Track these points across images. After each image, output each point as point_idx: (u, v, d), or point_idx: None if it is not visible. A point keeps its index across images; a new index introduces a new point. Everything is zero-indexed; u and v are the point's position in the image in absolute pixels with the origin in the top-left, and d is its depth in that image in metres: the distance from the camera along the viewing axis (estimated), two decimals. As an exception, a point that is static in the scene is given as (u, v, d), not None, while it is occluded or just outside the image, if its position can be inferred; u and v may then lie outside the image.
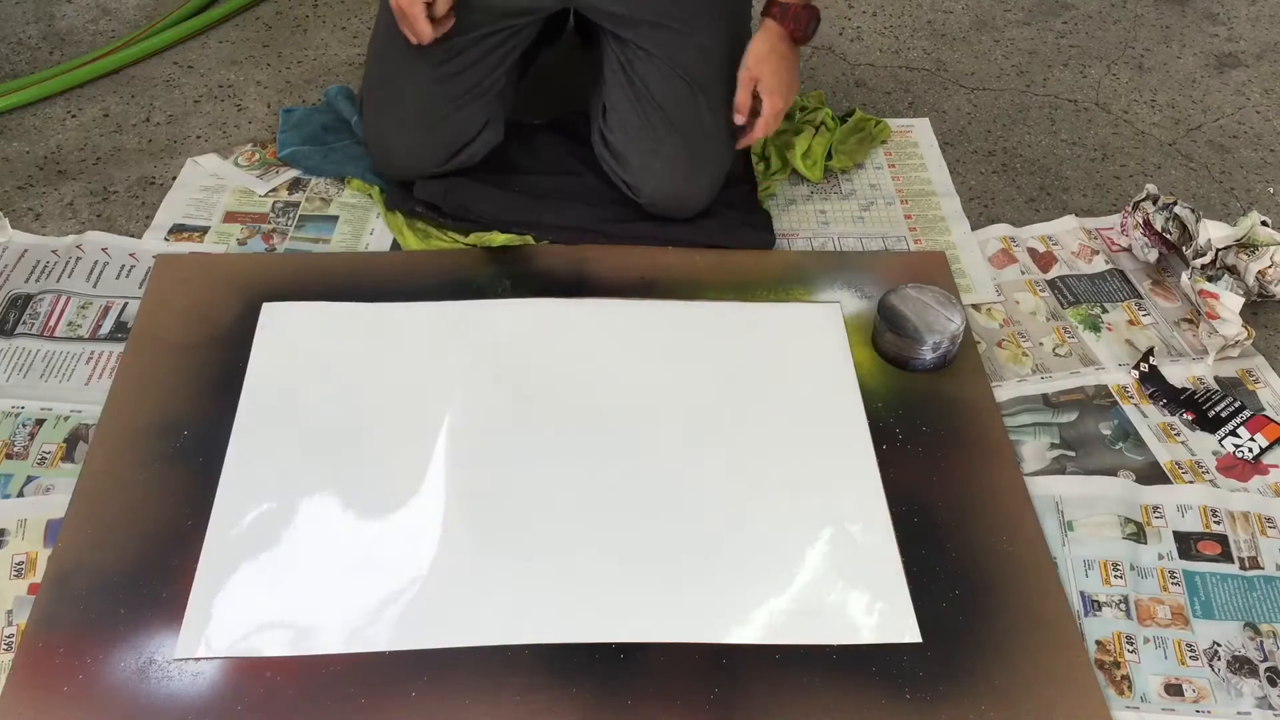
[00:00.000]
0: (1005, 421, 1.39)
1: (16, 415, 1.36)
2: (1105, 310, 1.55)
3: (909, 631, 1.18)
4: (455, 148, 1.57)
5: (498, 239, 1.57)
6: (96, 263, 1.56)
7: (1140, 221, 1.60)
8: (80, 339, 1.45)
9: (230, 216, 1.64)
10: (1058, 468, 1.35)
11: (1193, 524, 1.30)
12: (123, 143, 1.77)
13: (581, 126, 1.67)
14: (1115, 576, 1.24)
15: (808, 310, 1.52)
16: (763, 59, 1.51)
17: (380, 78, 1.59)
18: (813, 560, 1.25)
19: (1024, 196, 1.75)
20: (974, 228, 1.67)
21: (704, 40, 1.54)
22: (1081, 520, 1.29)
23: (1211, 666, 1.18)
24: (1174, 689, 1.16)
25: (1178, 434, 1.40)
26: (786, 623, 1.19)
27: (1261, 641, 1.20)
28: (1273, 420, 1.40)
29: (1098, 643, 1.19)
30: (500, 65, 1.56)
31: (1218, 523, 1.30)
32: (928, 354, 1.42)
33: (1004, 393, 1.43)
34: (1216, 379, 1.46)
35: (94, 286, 1.52)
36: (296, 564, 1.22)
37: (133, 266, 1.55)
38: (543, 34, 1.65)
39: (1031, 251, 1.64)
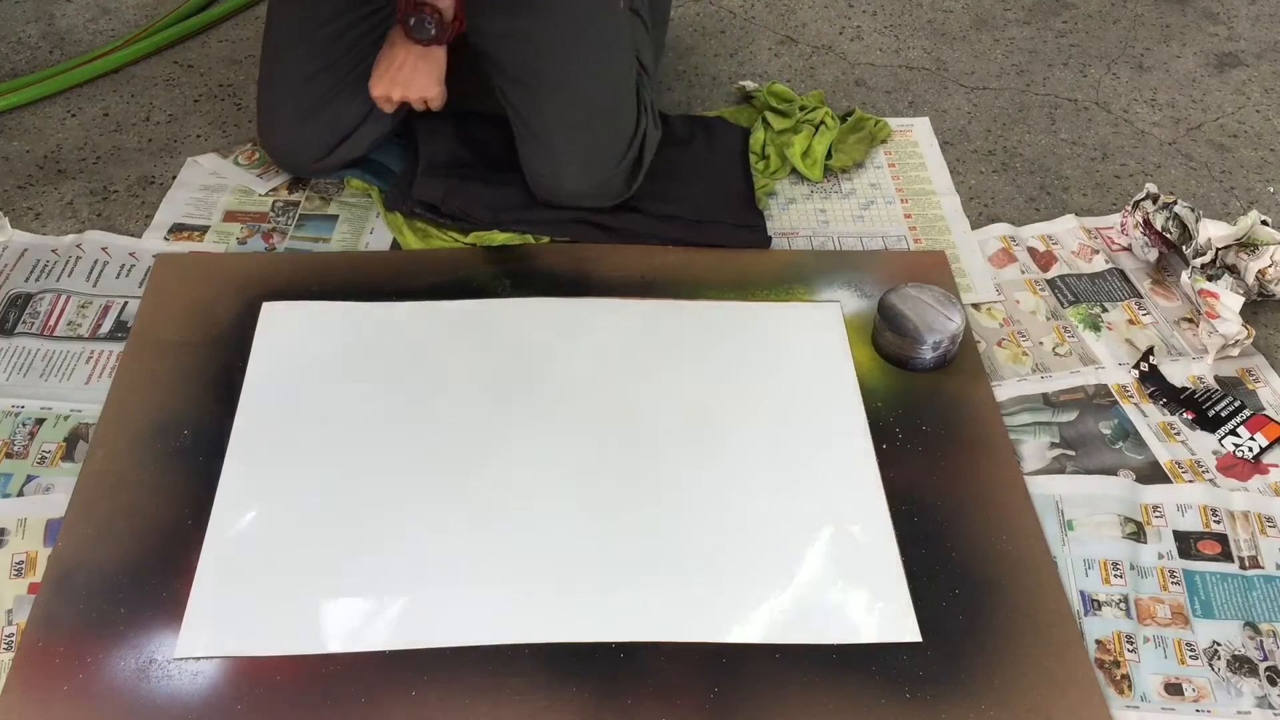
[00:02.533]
0: (1005, 421, 1.39)
1: (16, 414, 1.36)
2: (1105, 309, 1.55)
3: (909, 631, 1.18)
4: (334, 141, 1.60)
5: (497, 238, 1.58)
6: (96, 262, 1.56)
7: (1140, 221, 1.60)
8: (80, 338, 1.45)
9: (230, 216, 1.64)
10: (1058, 467, 1.35)
11: (1193, 523, 1.30)
12: (122, 142, 1.77)
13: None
14: (1115, 576, 1.24)
15: (807, 309, 1.52)
16: (379, 58, 1.51)
17: (260, 78, 1.64)
18: (813, 559, 1.25)
19: (1024, 196, 1.75)
20: (974, 227, 1.67)
21: (539, 32, 1.51)
22: (1081, 519, 1.29)
23: (1211, 666, 1.18)
24: (1174, 688, 1.16)
25: (1178, 433, 1.40)
26: (786, 622, 1.19)
27: (1261, 641, 1.20)
28: (1273, 419, 1.40)
29: (1097, 642, 1.19)
30: (366, 52, 1.56)
31: (1218, 522, 1.30)
32: (928, 353, 1.42)
33: (1004, 392, 1.43)
34: (1216, 378, 1.46)
35: (94, 286, 1.52)
36: (296, 563, 1.22)
37: (133, 266, 1.55)
38: None
39: (1031, 251, 1.64)
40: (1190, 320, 1.54)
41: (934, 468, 1.33)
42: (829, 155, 1.75)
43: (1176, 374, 1.46)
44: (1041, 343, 1.50)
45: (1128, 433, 1.39)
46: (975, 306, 1.55)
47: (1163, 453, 1.37)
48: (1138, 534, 1.28)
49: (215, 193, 1.68)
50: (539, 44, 1.51)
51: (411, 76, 1.49)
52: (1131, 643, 1.19)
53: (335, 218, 1.64)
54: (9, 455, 1.32)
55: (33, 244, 1.58)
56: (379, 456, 1.32)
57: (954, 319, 1.42)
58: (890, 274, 1.56)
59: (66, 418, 1.36)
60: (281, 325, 1.46)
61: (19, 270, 1.54)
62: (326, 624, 1.17)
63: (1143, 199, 1.61)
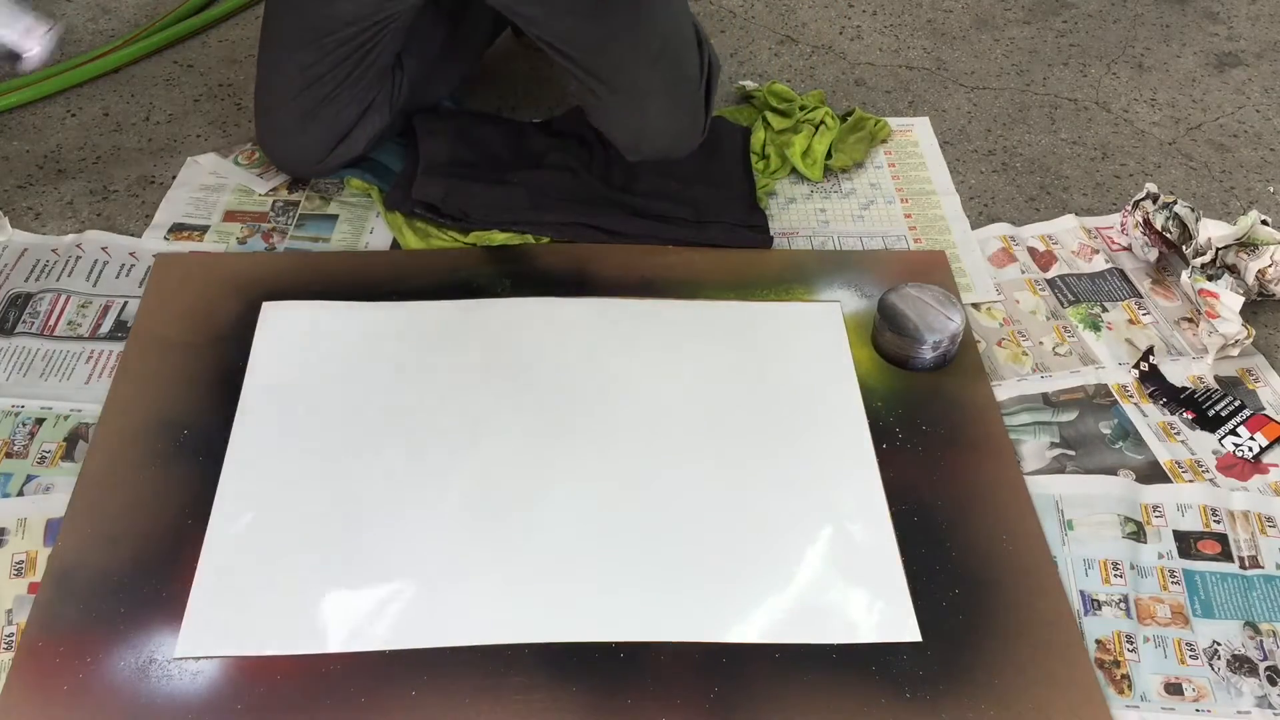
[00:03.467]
0: (1005, 420, 1.39)
1: (16, 414, 1.36)
2: (1105, 309, 1.55)
3: (909, 630, 1.18)
4: (332, 142, 1.60)
5: (498, 238, 1.58)
6: (96, 262, 1.56)
7: (1140, 220, 1.60)
8: (80, 338, 1.45)
9: (230, 215, 1.64)
10: (1057, 467, 1.35)
11: (1192, 523, 1.30)
12: (122, 142, 1.77)
13: (580, 124, 1.68)
14: (1115, 575, 1.24)
15: (808, 309, 1.52)
16: None
17: (258, 81, 1.63)
18: (813, 559, 1.25)
19: (1024, 195, 1.75)
20: (974, 227, 1.67)
21: (614, 23, 1.51)
22: (1081, 519, 1.29)
23: (1211, 666, 1.18)
24: (1174, 688, 1.16)
25: (1177, 433, 1.40)
26: (786, 622, 1.19)
27: (1261, 641, 1.20)
28: (1273, 419, 1.40)
29: (1097, 642, 1.19)
30: (370, 55, 1.56)
31: (1217, 522, 1.30)
32: (928, 353, 1.42)
33: (1004, 392, 1.43)
34: (1216, 378, 1.46)
35: (94, 285, 1.52)
36: (297, 563, 1.22)
37: (133, 265, 1.55)
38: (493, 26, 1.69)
39: (1031, 250, 1.64)
40: (1190, 320, 1.54)
41: (934, 468, 1.33)
42: (829, 155, 1.75)
43: (1176, 374, 1.46)
44: (1041, 342, 1.50)
45: (1128, 432, 1.39)
46: (975, 306, 1.55)
47: (1163, 452, 1.37)
48: (1138, 534, 1.28)
49: (215, 192, 1.68)
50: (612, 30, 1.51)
51: None
52: (1131, 642, 1.19)
53: (335, 217, 1.64)
54: (9, 455, 1.32)
55: (33, 244, 1.58)
56: (379, 456, 1.32)
57: (954, 319, 1.42)
58: (890, 274, 1.56)
59: (66, 417, 1.36)
60: (281, 325, 1.46)
61: (19, 270, 1.54)
62: (326, 624, 1.17)
63: (1143, 199, 1.61)
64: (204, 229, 1.62)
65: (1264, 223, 1.54)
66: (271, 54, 1.59)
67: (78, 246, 1.57)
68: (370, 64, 1.56)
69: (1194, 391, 1.44)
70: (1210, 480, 1.34)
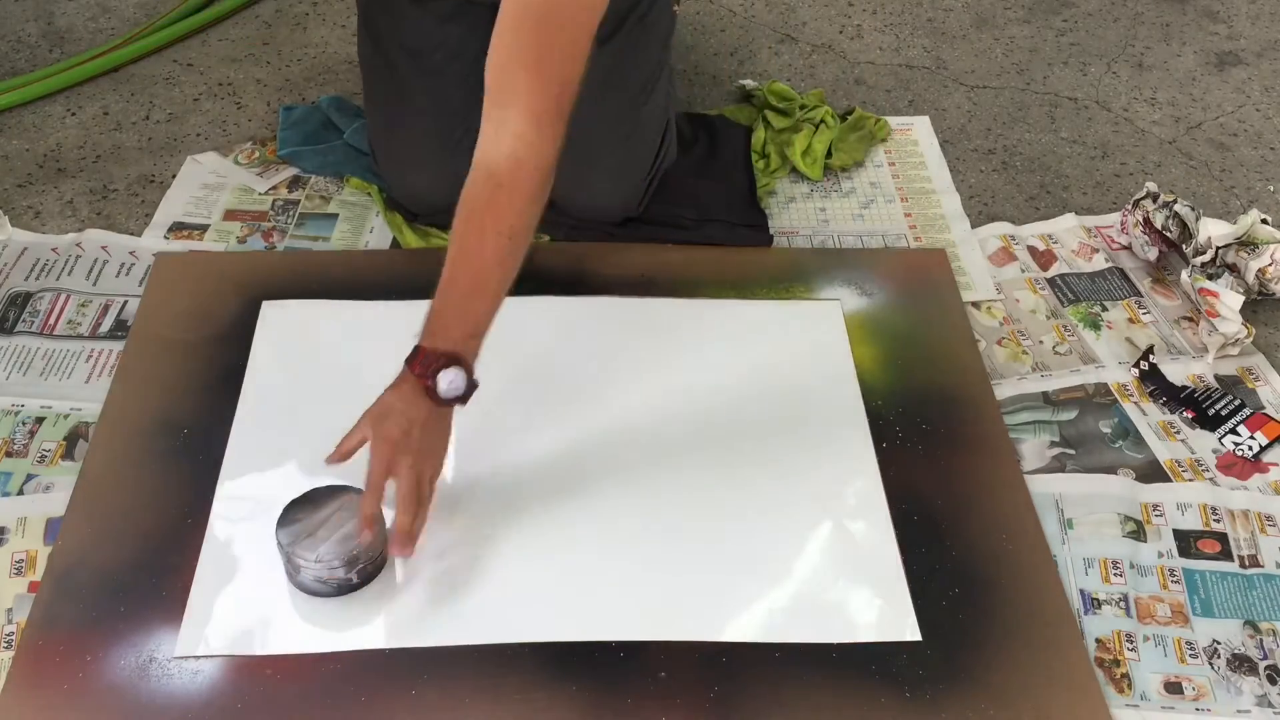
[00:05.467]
0: (1005, 419, 1.39)
1: (16, 413, 1.36)
2: (1105, 308, 1.55)
3: (909, 630, 1.18)
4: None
5: (498, 237, 1.57)
6: (96, 261, 1.56)
7: (1140, 220, 1.60)
8: (80, 337, 1.45)
9: (230, 214, 1.64)
10: (1057, 466, 1.35)
11: (1192, 522, 1.30)
12: (122, 141, 1.77)
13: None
14: (1115, 575, 1.24)
15: (808, 308, 1.52)
16: (380, 415, 1.15)
17: (384, 122, 1.59)
18: (812, 558, 1.25)
19: (1024, 195, 1.75)
20: (974, 226, 1.67)
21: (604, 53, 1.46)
22: (1081, 518, 1.29)
23: (1211, 665, 1.18)
24: (1174, 687, 1.16)
25: (1177, 432, 1.40)
26: (786, 621, 1.19)
27: (1261, 640, 1.20)
28: (1272, 418, 1.40)
29: (1097, 641, 1.19)
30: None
31: (1217, 521, 1.30)
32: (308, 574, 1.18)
33: (1004, 391, 1.43)
34: (1216, 377, 1.46)
35: (94, 284, 1.52)
36: (296, 562, 1.22)
37: (132, 264, 1.55)
38: None
39: (1031, 249, 1.64)
40: (1190, 319, 1.54)
41: (934, 466, 1.33)
42: (829, 154, 1.75)
43: (1176, 373, 1.46)
44: (1041, 341, 1.50)
45: (1128, 431, 1.39)
46: (975, 305, 1.55)
47: (1163, 451, 1.37)
48: (1137, 533, 1.28)
49: (215, 191, 1.68)
50: (608, 62, 1.47)
51: (424, 444, 1.14)
52: (1131, 641, 1.19)
53: (335, 217, 1.64)
54: (9, 454, 1.32)
55: (32, 243, 1.58)
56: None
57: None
58: (890, 272, 1.56)
59: (66, 416, 1.36)
60: (281, 324, 1.46)
61: (19, 269, 1.54)
62: (327, 623, 1.17)
63: (1143, 198, 1.61)
64: (204, 228, 1.62)
65: (1264, 222, 1.54)
66: (390, 91, 1.53)
67: (78, 245, 1.57)
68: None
69: (1194, 390, 1.44)
70: (1210, 479, 1.34)
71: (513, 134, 1.16)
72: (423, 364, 1.14)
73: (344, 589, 1.17)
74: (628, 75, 1.53)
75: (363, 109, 1.68)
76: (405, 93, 1.54)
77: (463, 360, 1.15)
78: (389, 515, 1.20)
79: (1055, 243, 1.65)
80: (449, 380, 1.13)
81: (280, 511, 1.18)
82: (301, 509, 1.18)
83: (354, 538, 1.14)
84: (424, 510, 1.15)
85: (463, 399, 1.16)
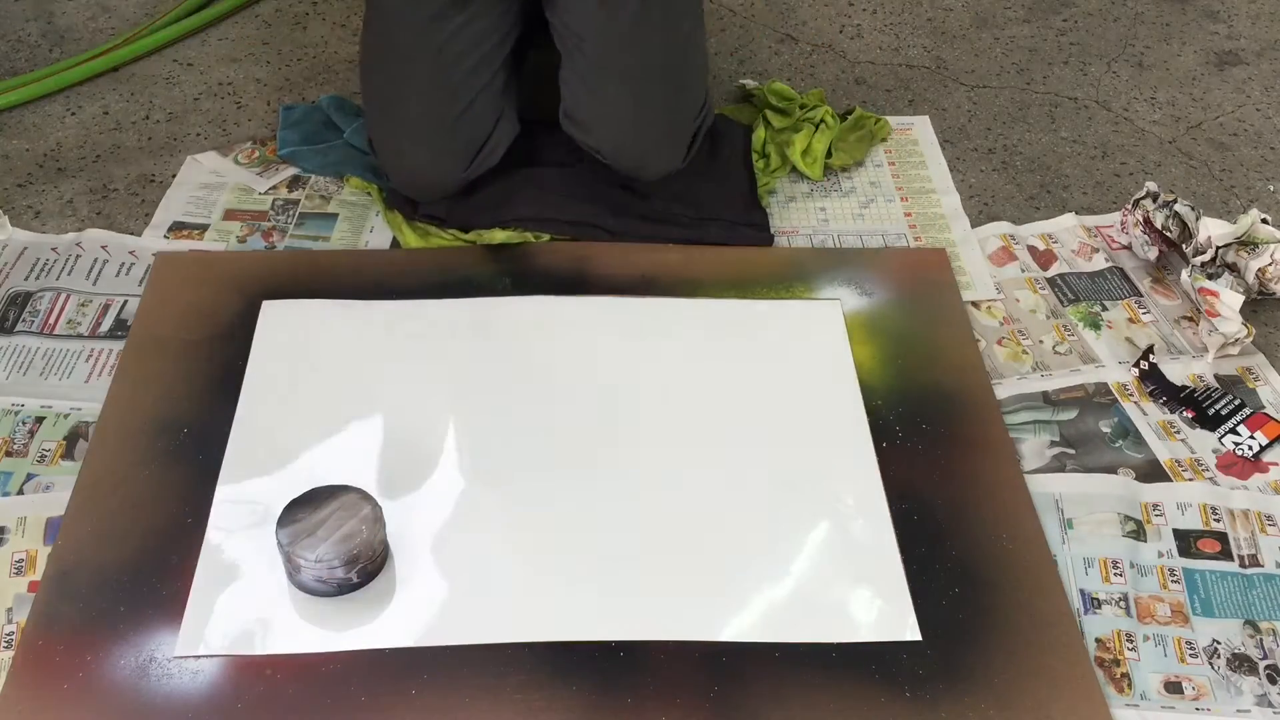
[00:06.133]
0: (1005, 419, 1.39)
1: (16, 413, 1.36)
2: (1105, 308, 1.55)
3: (909, 630, 1.18)
4: (474, 149, 1.54)
5: (498, 236, 1.57)
6: (96, 260, 1.56)
7: (1140, 219, 1.60)
8: (80, 336, 1.45)
9: (230, 214, 1.64)
10: (1057, 465, 1.35)
11: (1192, 522, 1.30)
12: (122, 140, 1.77)
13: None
14: (1115, 574, 1.24)
15: (808, 307, 1.52)
16: None
17: (380, 100, 1.57)
18: (812, 558, 1.25)
19: (1024, 194, 1.75)
20: (974, 225, 1.67)
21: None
22: (1081, 518, 1.29)
23: (1211, 664, 1.18)
24: (1174, 687, 1.16)
25: (1177, 432, 1.40)
26: (786, 621, 1.19)
27: (1261, 639, 1.20)
28: (1273, 418, 1.40)
29: (1097, 640, 1.19)
30: (497, 52, 1.54)
31: (1217, 520, 1.30)
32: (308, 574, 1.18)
33: (1004, 390, 1.43)
34: (1216, 377, 1.46)
35: (94, 284, 1.52)
36: (296, 562, 1.22)
37: (132, 264, 1.55)
38: (528, 35, 1.64)
39: (1031, 249, 1.64)
40: (1190, 319, 1.54)
41: (934, 466, 1.33)
42: (829, 154, 1.74)
43: (1176, 372, 1.46)
44: (1041, 341, 1.50)
45: (1128, 431, 1.39)
46: (975, 304, 1.55)
47: (1163, 451, 1.37)
48: (1137, 532, 1.28)
49: (215, 191, 1.68)
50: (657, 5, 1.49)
51: None
52: (1131, 641, 1.19)
53: (335, 216, 1.64)
54: (9, 453, 1.32)
55: (32, 242, 1.58)
56: (378, 455, 1.32)
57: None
58: (891, 271, 1.56)
59: (66, 416, 1.36)
60: (281, 324, 1.46)
61: (19, 268, 1.54)
62: (326, 623, 1.17)
63: (1143, 197, 1.61)
64: (204, 227, 1.62)
65: (1264, 221, 1.53)
66: (389, 66, 1.52)
67: (77, 245, 1.57)
68: (497, 61, 1.52)
69: (1194, 390, 1.44)
70: (1210, 479, 1.34)
71: None
72: None
73: (344, 588, 1.18)
74: (670, 20, 1.52)
75: (360, 92, 1.67)
76: (404, 71, 1.53)
77: None
78: (389, 515, 1.21)
79: (1055, 242, 1.65)
80: None
81: (280, 511, 1.18)
82: (301, 509, 1.18)
83: (354, 537, 1.15)
84: None
85: None
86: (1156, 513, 1.30)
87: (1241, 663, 1.18)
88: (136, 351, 1.42)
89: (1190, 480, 1.34)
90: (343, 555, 1.15)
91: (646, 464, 1.32)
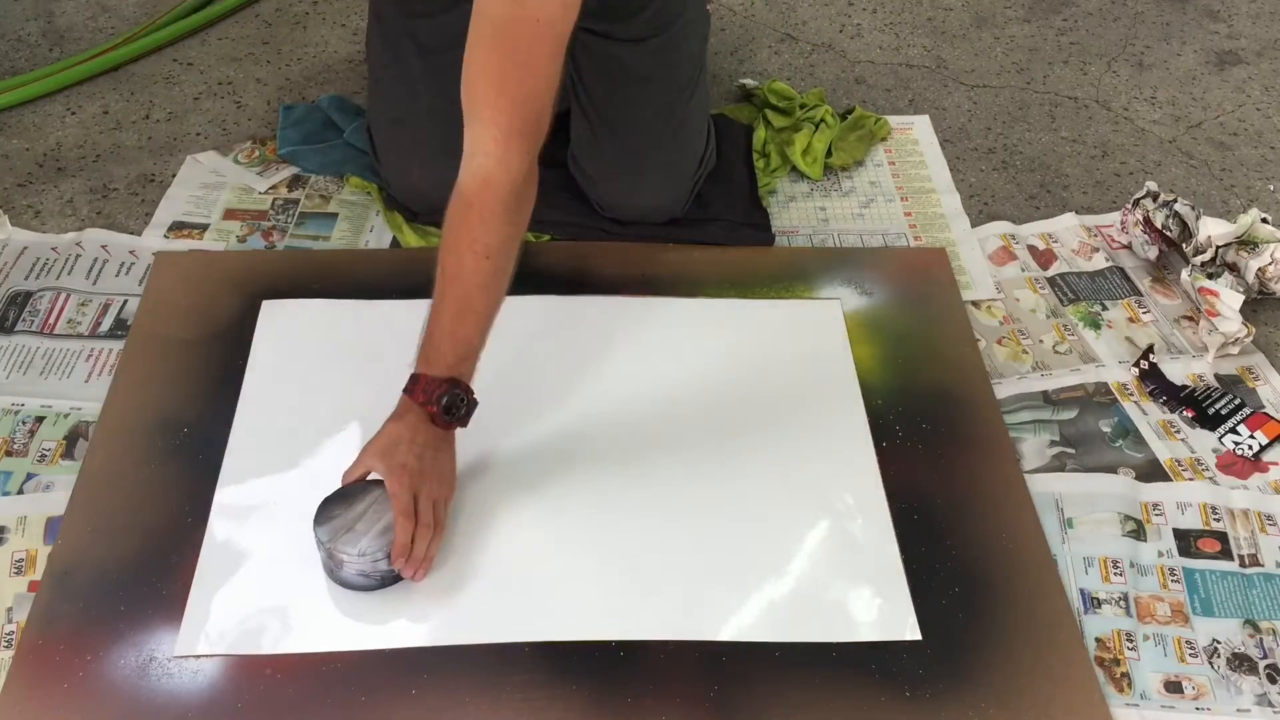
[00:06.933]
0: (1005, 419, 1.39)
1: (16, 412, 1.36)
2: (1105, 307, 1.55)
3: (909, 629, 1.18)
4: None
5: (498, 236, 1.57)
6: (96, 260, 1.55)
7: (1140, 219, 1.60)
8: (80, 336, 1.45)
9: (230, 214, 1.64)
10: (1058, 465, 1.35)
11: (1192, 521, 1.30)
12: (122, 140, 1.77)
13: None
14: (1115, 574, 1.24)
15: (808, 307, 1.52)
16: (388, 447, 1.17)
17: (386, 114, 1.58)
18: (812, 557, 1.25)
19: (1024, 194, 1.75)
20: (974, 225, 1.67)
21: (642, 33, 1.49)
22: (1081, 517, 1.29)
23: (1211, 664, 1.18)
24: (1174, 686, 1.16)
25: (1178, 431, 1.40)
26: (786, 620, 1.19)
27: (1261, 639, 1.20)
28: (1272, 418, 1.40)
29: (1097, 640, 1.19)
30: None
31: (1217, 520, 1.30)
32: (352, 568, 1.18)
33: (1004, 390, 1.43)
34: (1217, 376, 1.46)
35: (94, 284, 1.52)
36: (296, 562, 1.21)
37: (132, 264, 1.55)
38: None
39: (1031, 249, 1.64)
40: (1190, 318, 1.54)
41: (934, 466, 1.33)
42: (829, 153, 1.75)
43: (1176, 372, 1.46)
44: (1041, 341, 1.50)
45: (1128, 431, 1.39)
46: (975, 304, 1.55)
47: (1163, 451, 1.37)
48: (1137, 532, 1.28)
49: (215, 191, 1.68)
50: (653, 61, 1.50)
51: (435, 469, 1.18)
52: (1131, 641, 1.19)
53: (335, 216, 1.64)
54: (9, 453, 1.31)
55: (32, 242, 1.58)
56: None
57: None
58: (891, 271, 1.56)
59: (66, 416, 1.36)
60: (281, 323, 1.46)
61: (19, 268, 1.54)
62: (327, 622, 1.17)
63: (1143, 197, 1.61)
64: (204, 227, 1.62)
65: (1264, 221, 1.53)
66: (396, 82, 1.52)
67: (77, 245, 1.57)
68: None
69: (1194, 389, 1.44)
70: (1210, 478, 1.34)
71: (481, 152, 1.17)
72: (425, 390, 1.17)
73: (387, 581, 1.18)
74: (672, 73, 1.53)
75: (367, 104, 1.68)
76: (412, 90, 1.53)
77: (460, 383, 1.18)
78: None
79: (1055, 242, 1.65)
80: (451, 402, 1.17)
81: (315, 510, 1.18)
82: (336, 505, 1.18)
83: (393, 529, 1.15)
84: (439, 535, 1.18)
85: (465, 419, 1.20)
86: (1156, 512, 1.30)
87: (1241, 662, 1.18)
88: (136, 351, 1.42)
89: (1190, 480, 1.34)
90: (385, 548, 1.15)
91: (646, 464, 1.32)
